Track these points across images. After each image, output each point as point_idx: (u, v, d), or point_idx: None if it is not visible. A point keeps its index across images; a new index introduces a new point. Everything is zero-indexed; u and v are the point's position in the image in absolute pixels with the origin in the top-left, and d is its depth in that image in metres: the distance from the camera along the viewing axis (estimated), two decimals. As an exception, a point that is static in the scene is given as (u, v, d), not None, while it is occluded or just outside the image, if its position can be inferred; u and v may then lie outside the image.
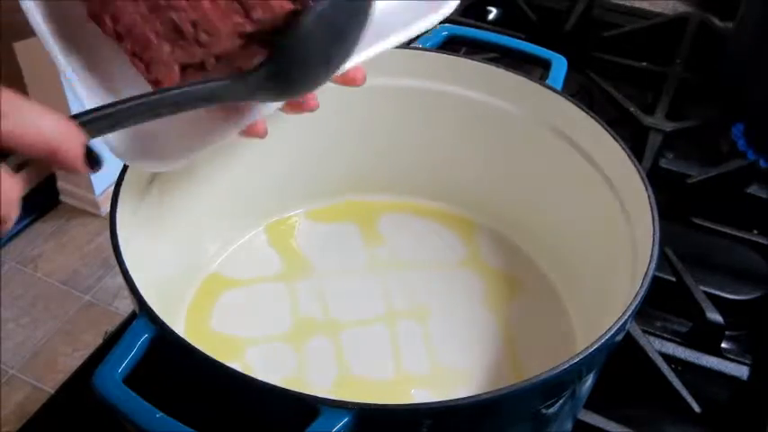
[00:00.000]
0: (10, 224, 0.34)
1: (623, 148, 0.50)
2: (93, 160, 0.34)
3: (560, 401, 0.41)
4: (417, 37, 0.65)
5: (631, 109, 0.76)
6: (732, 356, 0.56)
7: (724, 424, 0.52)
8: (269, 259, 0.60)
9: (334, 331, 0.54)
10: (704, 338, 0.56)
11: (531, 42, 0.61)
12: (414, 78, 0.59)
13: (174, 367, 0.43)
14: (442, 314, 0.56)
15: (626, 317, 0.40)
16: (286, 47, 0.35)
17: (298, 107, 0.43)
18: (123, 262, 0.42)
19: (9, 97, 0.32)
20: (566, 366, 0.37)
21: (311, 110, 0.43)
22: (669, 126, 0.74)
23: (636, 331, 0.55)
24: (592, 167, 0.53)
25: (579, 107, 0.53)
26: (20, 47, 1.56)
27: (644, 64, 0.84)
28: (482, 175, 0.61)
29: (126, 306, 1.43)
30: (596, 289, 0.52)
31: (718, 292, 0.59)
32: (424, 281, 0.58)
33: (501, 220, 0.62)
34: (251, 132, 0.42)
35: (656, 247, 0.44)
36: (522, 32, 0.85)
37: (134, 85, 0.37)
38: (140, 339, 0.39)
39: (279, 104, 0.41)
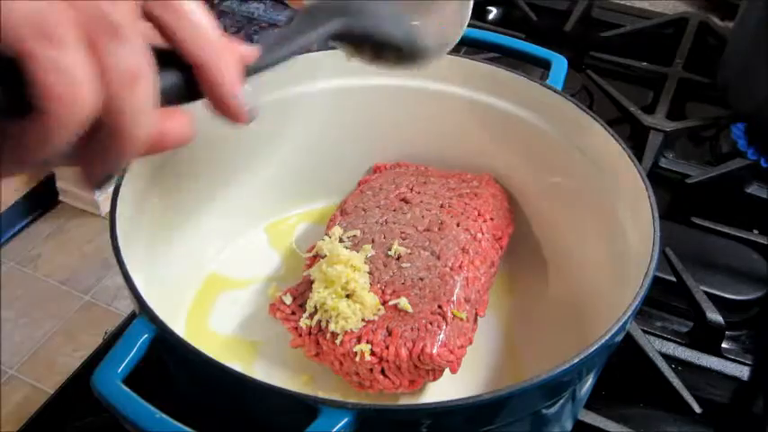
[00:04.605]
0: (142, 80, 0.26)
1: (623, 148, 0.50)
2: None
3: (560, 402, 0.41)
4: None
5: (631, 109, 0.76)
6: (732, 356, 0.56)
7: (724, 424, 0.52)
8: (268, 259, 0.60)
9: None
10: (704, 338, 0.56)
11: (531, 42, 0.61)
12: (414, 78, 0.59)
13: (173, 368, 0.43)
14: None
15: (626, 317, 0.40)
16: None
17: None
18: (123, 262, 0.42)
19: None
20: (566, 367, 0.37)
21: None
22: (669, 126, 0.74)
23: (636, 331, 0.55)
24: (592, 167, 0.53)
25: (579, 107, 0.53)
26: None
27: (644, 64, 0.84)
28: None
29: (126, 306, 1.43)
30: (597, 289, 0.52)
31: (718, 292, 0.59)
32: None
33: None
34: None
35: (657, 247, 0.44)
36: (522, 32, 0.85)
37: None
38: (140, 339, 0.39)
39: None
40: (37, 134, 0.24)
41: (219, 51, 0.29)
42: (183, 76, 0.29)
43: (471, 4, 0.44)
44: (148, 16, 0.28)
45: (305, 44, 0.35)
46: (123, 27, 0.25)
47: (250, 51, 0.32)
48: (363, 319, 0.48)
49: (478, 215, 0.55)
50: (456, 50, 0.66)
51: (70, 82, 0.24)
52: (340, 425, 0.35)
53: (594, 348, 0.38)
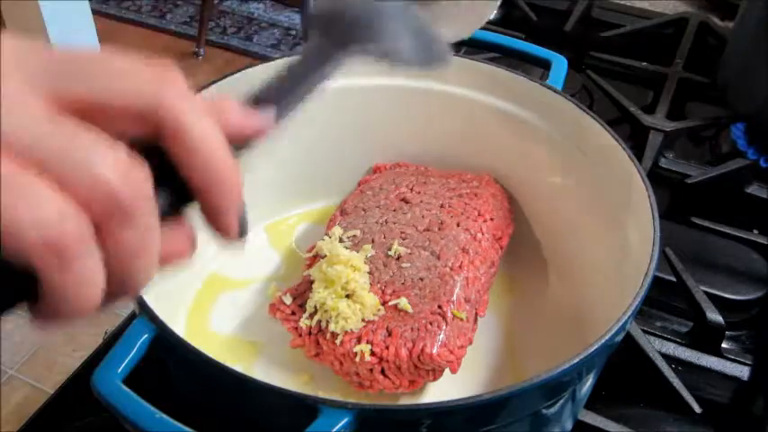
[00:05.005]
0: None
1: (623, 148, 0.50)
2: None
3: (560, 402, 0.41)
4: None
5: (631, 109, 0.76)
6: (732, 356, 0.56)
7: (724, 424, 0.52)
8: (268, 259, 0.60)
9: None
10: (704, 338, 0.56)
11: (531, 42, 0.61)
12: (413, 78, 0.59)
13: (173, 368, 0.43)
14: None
15: (626, 317, 0.40)
16: None
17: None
18: (123, 262, 0.42)
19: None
20: (566, 367, 0.37)
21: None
22: (669, 126, 0.74)
23: (636, 331, 0.55)
24: (592, 167, 0.53)
25: (579, 107, 0.53)
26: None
27: (644, 64, 0.84)
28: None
29: (126, 306, 1.43)
30: (597, 288, 0.52)
31: (718, 292, 0.59)
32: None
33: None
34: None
35: (657, 247, 0.44)
36: (522, 32, 0.85)
37: None
38: (140, 339, 0.39)
39: None
40: (45, 314, 0.23)
41: (226, 178, 0.29)
42: (180, 190, 0.27)
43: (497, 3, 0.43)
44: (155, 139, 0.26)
45: (317, 81, 0.34)
46: (136, 210, 0.23)
47: (265, 121, 0.31)
48: (363, 320, 0.48)
49: (478, 215, 0.55)
50: (456, 50, 0.66)
51: (80, 284, 0.22)
52: (340, 425, 0.35)
53: (594, 348, 0.38)
